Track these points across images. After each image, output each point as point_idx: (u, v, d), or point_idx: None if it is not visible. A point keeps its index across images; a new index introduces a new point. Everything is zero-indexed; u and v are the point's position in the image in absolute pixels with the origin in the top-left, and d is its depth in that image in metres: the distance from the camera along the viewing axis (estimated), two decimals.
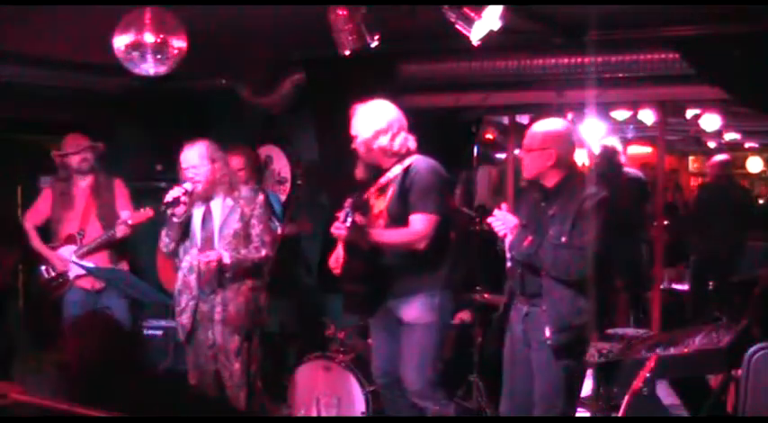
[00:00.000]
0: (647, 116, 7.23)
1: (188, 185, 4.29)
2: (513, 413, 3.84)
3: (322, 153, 5.68)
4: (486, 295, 4.98)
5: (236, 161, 5.07)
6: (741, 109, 6.87)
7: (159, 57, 3.73)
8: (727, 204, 7.21)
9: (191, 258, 4.38)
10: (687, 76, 4.62)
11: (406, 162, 3.96)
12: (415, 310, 3.96)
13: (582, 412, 4.74)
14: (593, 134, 7.39)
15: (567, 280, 3.56)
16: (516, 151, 6.02)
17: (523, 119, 6.73)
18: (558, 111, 5.67)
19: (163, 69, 3.82)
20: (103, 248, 5.13)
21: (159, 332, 5.88)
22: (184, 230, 4.39)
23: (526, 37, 4.70)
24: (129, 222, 5.00)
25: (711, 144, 10.89)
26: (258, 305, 4.42)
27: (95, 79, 5.80)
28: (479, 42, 3.63)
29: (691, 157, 12.96)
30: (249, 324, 4.36)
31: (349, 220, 3.69)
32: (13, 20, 4.27)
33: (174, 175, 6.13)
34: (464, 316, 5.16)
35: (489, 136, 7.58)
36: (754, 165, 12.37)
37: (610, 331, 5.22)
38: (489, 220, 3.84)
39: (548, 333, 3.60)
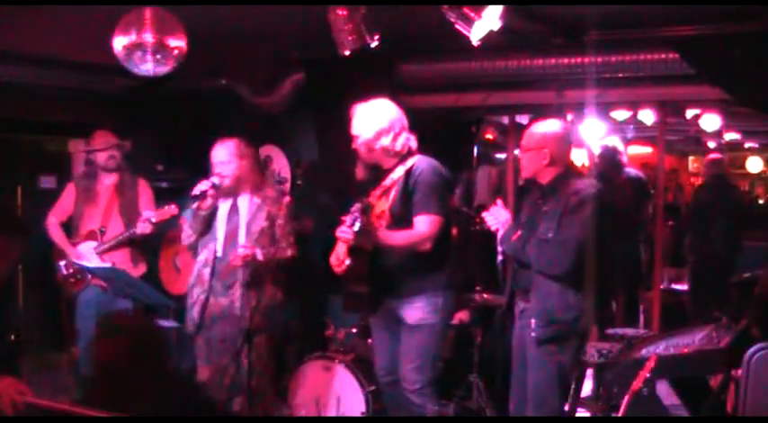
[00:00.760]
0: (647, 116, 7.23)
1: (215, 179, 4.33)
2: (520, 413, 3.86)
3: (322, 153, 5.68)
4: (485, 295, 4.99)
5: None
6: (741, 109, 6.85)
7: (159, 57, 3.73)
8: (721, 203, 7.21)
9: (208, 252, 4.41)
10: (687, 76, 4.62)
11: (409, 162, 3.94)
12: (418, 312, 3.95)
13: (582, 412, 4.75)
14: (594, 134, 7.39)
15: (553, 275, 3.63)
16: (516, 151, 6.01)
17: (523, 119, 6.71)
18: (558, 111, 5.66)
19: (163, 70, 3.82)
20: (124, 246, 5.12)
21: None
22: (207, 224, 4.43)
23: (526, 37, 4.71)
24: (153, 220, 4.98)
25: (711, 144, 10.89)
26: (275, 304, 4.46)
27: (96, 79, 5.80)
28: (479, 42, 3.63)
29: (691, 157, 12.96)
30: (265, 322, 4.37)
31: (357, 225, 3.68)
32: (13, 20, 4.27)
33: (174, 175, 6.17)
34: (462, 316, 5.16)
35: (489, 136, 7.55)
36: (753, 165, 12.38)
37: (610, 331, 5.22)
38: (483, 214, 3.98)
39: (533, 326, 3.66)
